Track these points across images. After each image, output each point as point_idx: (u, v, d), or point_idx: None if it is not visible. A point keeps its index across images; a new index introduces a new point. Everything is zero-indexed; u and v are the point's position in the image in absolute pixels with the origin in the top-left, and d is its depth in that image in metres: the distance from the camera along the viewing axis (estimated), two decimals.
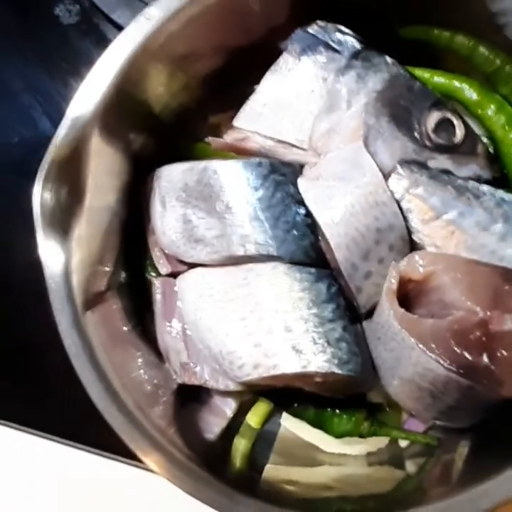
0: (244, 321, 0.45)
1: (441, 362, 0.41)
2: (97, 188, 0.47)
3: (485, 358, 0.41)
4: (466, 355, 0.41)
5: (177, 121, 0.54)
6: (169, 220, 0.48)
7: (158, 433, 0.43)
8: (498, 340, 0.42)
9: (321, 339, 0.43)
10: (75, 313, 0.42)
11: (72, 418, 0.55)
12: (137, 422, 0.42)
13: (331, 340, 0.44)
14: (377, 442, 0.52)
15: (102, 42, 0.62)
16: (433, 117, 0.48)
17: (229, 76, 0.53)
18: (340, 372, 0.43)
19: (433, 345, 0.42)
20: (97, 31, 0.61)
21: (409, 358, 0.43)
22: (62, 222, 0.43)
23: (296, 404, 0.50)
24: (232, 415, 0.52)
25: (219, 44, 0.51)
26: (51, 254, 0.42)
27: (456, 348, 0.41)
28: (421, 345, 0.42)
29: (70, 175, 0.43)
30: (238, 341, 0.44)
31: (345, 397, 0.49)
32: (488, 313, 0.42)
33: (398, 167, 0.46)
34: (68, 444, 0.57)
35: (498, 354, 0.41)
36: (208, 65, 0.53)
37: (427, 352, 0.41)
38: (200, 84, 0.53)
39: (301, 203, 0.46)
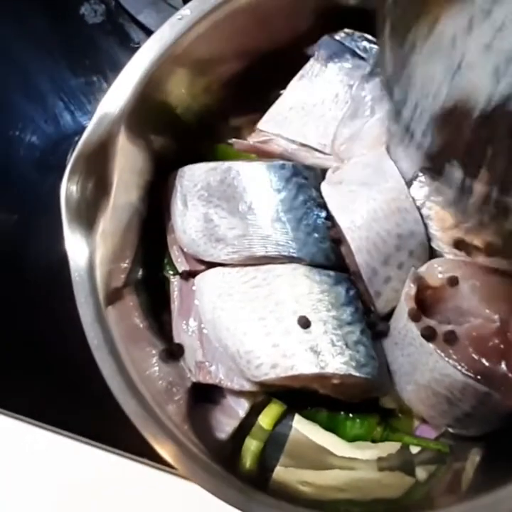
0: (263, 320, 0.45)
1: (459, 368, 0.41)
2: (122, 184, 0.47)
3: (503, 366, 0.41)
4: (484, 361, 0.41)
5: (199, 123, 0.55)
6: (190, 218, 0.49)
7: (174, 427, 0.43)
8: None
9: (339, 341, 0.44)
10: (97, 306, 0.42)
11: (85, 414, 0.55)
12: (154, 414, 0.42)
13: (349, 343, 0.44)
14: (388, 448, 0.52)
15: (126, 42, 0.63)
16: None
17: (251, 80, 0.54)
18: (357, 374, 0.43)
19: (451, 351, 0.42)
20: (121, 31, 0.62)
21: (426, 363, 0.43)
22: (88, 215, 0.43)
23: (309, 407, 0.50)
24: (244, 416, 0.52)
25: (242, 48, 0.52)
26: (76, 248, 0.42)
27: (474, 355, 0.42)
28: (439, 351, 0.42)
29: (96, 170, 0.44)
30: (256, 341, 0.45)
31: (358, 402, 0.49)
32: (507, 321, 0.43)
33: (420, 174, 0.46)
34: (79, 440, 0.57)
35: None
36: (231, 68, 0.53)
37: (445, 358, 0.42)
38: (222, 88, 0.54)
39: (322, 206, 0.47)
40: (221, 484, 0.42)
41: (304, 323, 0.44)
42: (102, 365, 0.41)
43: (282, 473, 0.52)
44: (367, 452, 0.52)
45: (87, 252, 0.43)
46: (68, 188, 0.42)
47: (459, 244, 0.46)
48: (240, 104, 0.55)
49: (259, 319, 0.45)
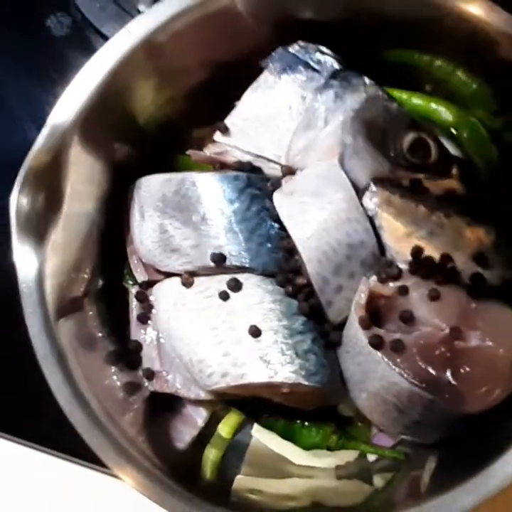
0: (215, 330, 0.45)
1: (405, 376, 0.42)
2: (76, 195, 0.48)
3: (448, 374, 0.42)
4: (430, 370, 0.42)
5: (161, 133, 0.55)
6: (147, 229, 0.49)
7: (126, 441, 0.43)
8: (462, 357, 0.42)
9: (289, 350, 0.44)
10: (46, 317, 0.43)
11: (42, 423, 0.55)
12: (104, 428, 0.42)
13: (299, 352, 0.44)
14: (346, 456, 0.52)
15: (92, 54, 0.63)
16: (408, 137, 0.49)
17: (212, 91, 0.54)
18: (306, 383, 0.44)
19: (398, 360, 0.42)
20: (87, 44, 0.63)
21: (375, 371, 0.43)
22: (38, 228, 0.43)
23: (266, 416, 0.50)
24: (203, 425, 0.52)
25: (205, 59, 0.53)
26: (25, 259, 0.43)
27: (420, 363, 0.42)
28: (386, 359, 0.42)
29: (48, 182, 0.44)
30: (208, 350, 0.45)
31: (315, 410, 0.49)
32: (456, 329, 0.43)
33: (372, 185, 0.47)
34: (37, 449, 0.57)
35: (462, 370, 0.42)
36: (194, 79, 0.54)
37: (392, 366, 0.42)
38: (185, 98, 0.55)
39: (276, 216, 0.47)
40: (175, 498, 0.42)
41: (255, 332, 0.44)
42: (49, 375, 0.41)
43: (243, 482, 0.52)
44: (325, 460, 0.52)
45: (37, 263, 0.43)
46: (18, 201, 0.43)
47: (415, 254, 0.46)
48: (203, 114, 0.55)
49: (211, 329, 0.46)
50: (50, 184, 0.44)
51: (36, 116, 0.62)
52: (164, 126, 0.55)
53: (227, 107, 0.53)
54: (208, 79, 0.54)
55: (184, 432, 0.52)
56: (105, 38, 0.62)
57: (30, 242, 0.43)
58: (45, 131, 0.44)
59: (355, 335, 0.44)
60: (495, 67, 0.48)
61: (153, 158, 0.55)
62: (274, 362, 0.44)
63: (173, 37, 0.48)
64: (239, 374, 0.44)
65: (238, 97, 0.53)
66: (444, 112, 0.52)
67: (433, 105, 0.52)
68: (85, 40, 0.62)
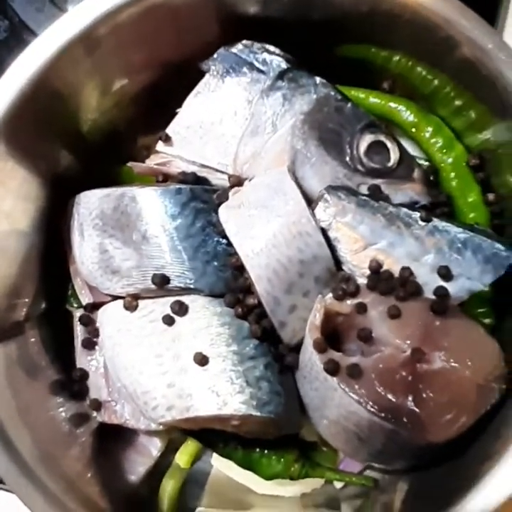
0: (159, 358, 0.42)
1: (363, 404, 0.38)
2: (6, 214, 0.44)
3: (410, 401, 0.38)
4: (390, 397, 0.38)
5: (105, 141, 0.52)
6: (87, 249, 0.46)
7: (64, 489, 0.40)
8: (425, 381, 0.39)
9: (239, 379, 0.41)
10: None
11: None
12: (35, 476, 0.39)
13: (250, 380, 0.41)
14: (312, 483, 0.49)
15: None
16: (365, 140, 0.46)
17: (160, 96, 0.51)
18: (258, 414, 0.40)
19: (356, 386, 0.39)
20: (26, 47, 0.58)
21: (332, 399, 0.40)
22: None
23: (223, 445, 0.47)
24: (158, 454, 0.49)
25: (149, 59, 0.49)
26: None
27: (379, 389, 0.39)
28: (343, 386, 0.39)
29: None
30: (152, 380, 0.42)
31: (275, 438, 0.46)
32: (418, 349, 0.40)
33: (325, 194, 0.43)
34: None
35: (424, 395, 0.39)
36: (138, 82, 0.50)
37: (349, 393, 0.39)
38: (130, 103, 0.51)
39: (223, 232, 0.44)
40: None
41: (201, 360, 0.41)
42: None
43: None
44: (289, 489, 0.49)
45: None
46: None
47: (374, 267, 0.43)
48: (149, 121, 0.52)
49: (155, 356, 0.42)
50: None
51: None
52: (109, 133, 0.51)
53: (174, 113, 0.50)
54: (154, 81, 0.51)
55: (138, 463, 0.49)
56: None
57: None
58: None
59: (310, 359, 0.41)
60: (456, 64, 0.45)
61: (98, 169, 0.51)
62: (223, 392, 0.40)
63: (113, 31, 0.44)
64: (185, 407, 0.40)
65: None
66: (403, 111, 0.49)
67: (392, 104, 0.49)
68: (24, 43, 0.58)
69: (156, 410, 0.41)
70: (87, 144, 0.50)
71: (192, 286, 0.43)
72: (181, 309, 0.42)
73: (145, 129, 0.53)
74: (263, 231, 0.42)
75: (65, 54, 0.43)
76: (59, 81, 0.44)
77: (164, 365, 0.42)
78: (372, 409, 0.38)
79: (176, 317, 0.43)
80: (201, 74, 0.49)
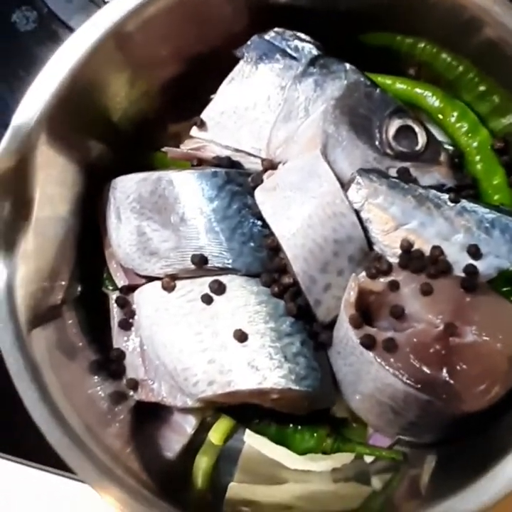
0: (199, 335, 0.43)
1: (400, 376, 0.40)
2: (47, 199, 0.45)
3: (444, 372, 0.40)
4: (425, 369, 0.40)
5: (136, 130, 0.53)
6: (124, 232, 0.47)
7: (110, 458, 0.41)
8: (457, 354, 0.41)
9: (277, 354, 0.42)
10: (18, 330, 0.40)
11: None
12: (85, 446, 0.40)
13: (288, 355, 0.42)
14: (342, 458, 0.50)
15: None
16: (393, 125, 0.47)
17: (188, 84, 0.52)
18: (297, 388, 0.42)
19: (392, 360, 0.40)
20: (55, 38, 0.60)
21: (368, 372, 0.41)
22: (6, 236, 0.41)
23: (257, 421, 0.48)
24: (192, 432, 0.50)
25: (177, 51, 0.50)
26: None
27: (415, 362, 0.40)
28: (379, 360, 0.40)
29: (15, 188, 0.42)
30: (193, 357, 0.43)
31: (308, 413, 0.47)
32: (450, 324, 0.41)
33: (357, 176, 0.45)
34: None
35: (458, 368, 0.40)
36: (167, 72, 0.51)
37: (386, 366, 0.40)
38: (159, 93, 0.52)
39: (258, 213, 0.45)
40: None
41: (240, 336, 0.42)
42: (23, 393, 0.39)
43: (236, 489, 0.50)
44: (320, 464, 0.50)
45: (6, 273, 0.41)
46: None
47: (405, 247, 0.44)
48: (178, 109, 0.53)
49: (195, 334, 0.44)
50: (17, 190, 0.42)
51: (3, 115, 0.59)
52: (139, 122, 0.53)
53: (204, 100, 0.51)
54: (182, 71, 0.52)
55: (173, 441, 0.50)
56: (73, 31, 0.59)
57: None
58: (8, 134, 0.41)
59: (346, 335, 0.42)
60: (480, 47, 0.46)
61: (129, 156, 0.52)
62: (262, 367, 0.42)
63: (142, 26, 0.46)
64: (226, 381, 0.42)
65: (214, 90, 0.51)
66: (429, 97, 0.50)
67: (418, 90, 0.50)
68: (53, 34, 0.60)
69: (197, 386, 0.43)
70: (118, 133, 0.51)
71: (230, 266, 0.44)
72: (220, 288, 0.44)
73: (174, 117, 0.54)
74: (299, 212, 0.43)
75: (97, 50, 0.45)
76: (92, 76, 0.46)
77: (204, 342, 0.43)
78: (408, 381, 0.40)
79: (214, 296, 0.44)
80: (228, 62, 0.50)
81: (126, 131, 0.52)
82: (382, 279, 0.44)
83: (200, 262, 0.44)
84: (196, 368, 0.43)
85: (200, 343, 0.43)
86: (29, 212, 0.43)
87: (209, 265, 0.44)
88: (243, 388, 0.42)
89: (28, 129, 0.42)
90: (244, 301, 0.43)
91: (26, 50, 0.60)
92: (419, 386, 0.39)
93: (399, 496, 0.49)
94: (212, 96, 0.48)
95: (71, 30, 0.58)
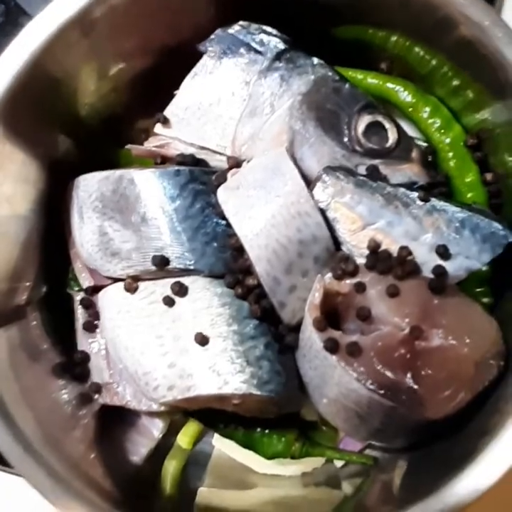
0: (160, 339, 0.42)
1: (363, 382, 0.39)
2: (6, 198, 0.44)
3: (409, 378, 0.39)
4: (389, 374, 0.39)
5: (103, 125, 0.51)
6: (86, 232, 0.46)
7: (70, 469, 0.40)
8: (423, 358, 0.39)
9: (239, 358, 0.41)
10: None
11: None
12: (42, 458, 0.39)
13: (250, 359, 0.41)
14: (312, 462, 0.50)
15: None
16: (363, 121, 0.46)
17: (157, 79, 0.51)
18: (259, 393, 0.41)
19: (355, 364, 0.39)
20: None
21: (332, 377, 0.40)
22: None
23: (224, 425, 0.47)
24: (160, 436, 0.49)
25: (145, 42, 0.49)
26: None
27: (378, 367, 0.39)
28: (342, 364, 0.39)
29: None
30: (153, 361, 0.42)
31: (275, 417, 0.46)
32: (417, 327, 0.40)
33: (323, 175, 0.44)
34: None
35: (423, 372, 0.39)
36: (135, 65, 0.50)
37: (349, 371, 0.39)
38: (126, 87, 0.51)
39: (222, 213, 0.44)
40: None
41: (201, 340, 0.41)
42: None
43: (206, 494, 0.50)
44: (290, 468, 0.50)
45: None
46: None
47: (372, 247, 0.43)
48: (146, 105, 0.52)
49: (156, 337, 0.43)
50: None
51: None
52: (106, 117, 0.51)
53: (171, 96, 0.50)
54: (150, 65, 0.51)
55: (140, 445, 0.50)
56: None
57: None
58: None
59: (310, 338, 0.41)
60: (454, 44, 0.45)
61: (96, 152, 0.51)
62: (224, 372, 0.41)
63: (108, 13, 0.44)
64: (186, 386, 0.41)
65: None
66: (401, 92, 0.49)
67: (390, 84, 0.49)
68: (20, 27, 0.58)
69: (158, 390, 0.42)
70: (85, 128, 0.50)
71: (192, 267, 0.43)
72: (181, 290, 0.43)
73: (142, 112, 0.53)
74: (262, 211, 0.42)
75: (61, 37, 0.43)
76: (55, 65, 0.44)
77: (165, 345, 0.42)
78: (371, 387, 0.38)
79: (176, 298, 0.43)
80: (198, 56, 0.48)
81: (93, 126, 0.51)
82: (348, 281, 0.42)
83: (161, 263, 0.43)
84: (156, 372, 0.42)
85: (161, 346, 0.42)
86: None
87: (170, 266, 0.43)
88: (203, 393, 0.41)
89: None
90: (207, 303, 0.42)
91: None
92: (382, 392, 0.38)
93: (371, 500, 0.48)
94: (175, 91, 0.47)
95: None
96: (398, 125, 0.47)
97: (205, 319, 0.42)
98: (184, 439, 0.50)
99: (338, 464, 0.50)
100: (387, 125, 0.46)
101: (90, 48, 0.45)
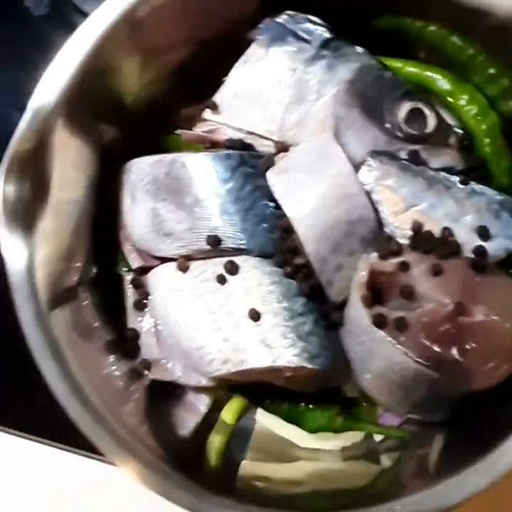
0: (213, 315, 0.44)
1: (410, 354, 0.40)
2: (64, 182, 0.46)
3: (454, 351, 0.41)
4: (435, 347, 0.41)
5: (149, 113, 0.53)
6: (138, 214, 0.48)
7: (128, 433, 0.42)
8: (467, 333, 0.41)
9: (291, 333, 0.43)
10: (38, 308, 0.41)
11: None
12: (105, 421, 0.41)
13: (301, 334, 0.43)
14: (352, 437, 0.51)
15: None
16: (404, 107, 0.47)
17: (201, 67, 0.52)
18: (309, 366, 0.42)
19: (402, 338, 0.41)
20: (68, 22, 0.60)
21: (379, 351, 0.42)
22: (26, 216, 0.42)
23: (270, 400, 0.49)
24: (206, 411, 0.51)
25: (188, 34, 0.51)
26: (14, 250, 0.41)
27: (425, 341, 0.41)
28: (390, 338, 0.41)
29: (34, 168, 0.42)
30: (207, 336, 0.44)
31: (319, 392, 0.48)
32: (460, 304, 0.42)
33: (368, 158, 0.45)
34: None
35: (467, 346, 0.41)
36: (178, 56, 0.52)
37: (396, 345, 0.41)
38: (171, 76, 0.52)
39: (271, 195, 0.46)
40: (178, 490, 0.41)
41: (254, 315, 0.43)
42: (45, 369, 0.40)
43: (248, 467, 0.51)
44: (331, 442, 0.51)
45: (27, 253, 0.41)
46: (4, 190, 0.41)
47: (415, 228, 0.45)
48: (190, 92, 0.54)
49: (209, 314, 0.44)
50: (36, 171, 0.42)
51: (17, 101, 0.60)
52: (151, 106, 0.53)
53: (216, 83, 0.52)
54: (193, 55, 0.52)
55: (187, 420, 0.51)
56: (86, 16, 0.59)
57: (19, 232, 0.41)
58: (27, 116, 0.42)
59: (357, 314, 0.43)
60: (490, 31, 0.46)
61: (141, 139, 0.53)
62: (276, 346, 0.42)
63: (154, 10, 0.46)
64: (240, 360, 0.43)
65: (226, 73, 0.51)
66: (439, 80, 0.50)
67: (428, 73, 0.50)
68: (65, 18, 0.60)
69: (212, 364, 0.44)
70: (132, 116, 0.52)
71: (243, 246, 0.45)
72: (233, 269, 0.44)
73: (186, 101, 0.55)
74: (310, 193, 0.44)
75: (111, 36, 0.45)
76: (105, 61, 0.46)
77: (218, 321, 0.44)
78: (418, 360, 0.40)
79: (228, 276, 0.45)
80: (241, 45, 0.50)
81: (139, 114, 0.52)
82: (392, 260, 0.44)
83: (215, 243, 0.44)
84: (211, 346, 0.44)
85: (215, 322, 0.44)
86: (47, 193, 0.43)
87: (223, 246, 0.45)
88: (257, 366, 0.42)
89: (46, 113, 0.42)
90: (258, 282, 0.44)
91: (39, 35, 0.60)
92: (429, 364, 0.40)
93: (407, 473, 0.50)
94: (224, 79, 0.49)
95: (84, 14, 0.59)
96: (437, 112, 0.49)
97: (257, 296, 0.44)
98: (228, 414, 0.52)
99: (377, 438, 0.51)
100: (427, 112, 0.48)
101: (136, 43, 0.48)
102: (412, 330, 0.41)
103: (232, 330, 0.43)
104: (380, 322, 0.41)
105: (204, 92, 0.52)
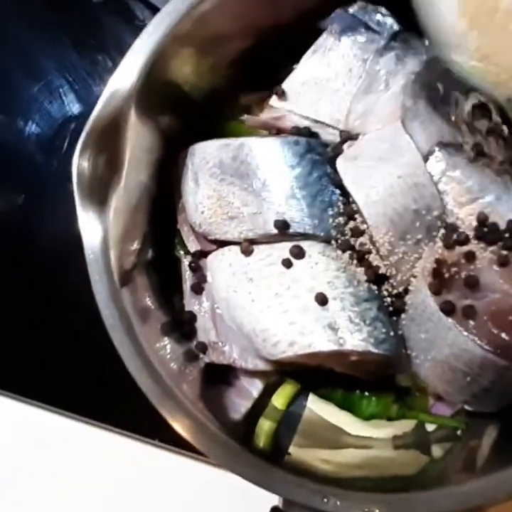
0: (279, 298, 0.44)
1: (479, 342, 0.41)
2: (133, 162, 0.47)
3: None
4: (504, 336, 0.41)
5: (208, 101, 0.54)
6: (202, 197, 0.48)
7: (190, 404, 0.43)
8: None
9: (357, 318, 0.43)
10: (112, 285, 0.42)
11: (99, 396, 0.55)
12: (171, 392, 0.42)
13: (367, 320, 0.43)
14: (404, 426, 0.52)
15: (130, 20, 0.62)
16: (470, 101, 0.48)
17: (260, 57, 0.53)
18: (376, 351, 0.43)
19: (470, 326, 0.42)
20: (125, 9, 0.61)
21: (445, 338, 0.43)
22: (100, 193, 0.42)
23: (324, 386, 0.50)
24: (258, 396, 0.52)
25: (248, 26, 0.51)
26: (89, 226, 0.42)
27: (493, 329, 0.41)
28: (458, 325, 0.42)
29: (108, 146, 0.43)
30: (273, 318, 0.44)
31: (373, 380, 0.48)
32: None
33: (436, 149, 0.46)
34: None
35: None
36: (238, 46, 0.53)
37: (464, 332, 0.41)
38: (229, 66, 0.53)
39: (337, 182, 0.46)
40: (238, 460, 0.42)
41: (321, 300, 0.43)
42: (119, 345, 0.40)
43: (297, 452, 0.52)
44: (382, 431, 0.52)
45: (101, 230, 0.42)
46: (80, 165, 0.41)
47: (481, 220, 0.45)
48: (249, 81, 0.54)
49: (275, 296, 0.45)
50: (109, 148, 0.43)
51: (74, 83, 0.61)
52: (211, 94, 0.54)
53: (273, 73, 0.52)
54: (251, 46, 0.53)
55: (239, 404, 0.52)
56: (145, 3, 0.60)
57: (94, 208, 0.42)
58: (105, 96, 0.42)
59: (424, 301, 0.43)
60: None
61: (201, 126, 0.53)
62: (343, 330, 0.43)
63: (217, 5, 0.47)
64: (307, 343, 0.43)
65: (284, 63, 0.52)
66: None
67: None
68: (123, 5, 0.61)
69: (277, 346, 0.44)
70: (192, 104, 0.53)
71: (311, 231, 0.45)
72: (300, 253, 0.45)
73: (245, 89, 0.55)
74: (380, 181, 0.45)
75: (175, 33, 0.46)
76: (169, 55, 0.47)
77: (284, 304, 0.44)
78: (487, 347, 0.41)
79: (294, 260, 0.45)
80: (299, 36, 0.51)
81: (199, 102, 0.53)
82: (458, 250, 0.45)
83: (283, 227, 0.45)
84: (277, 328, 0.44)
85: (281, 305, 0.44)
86: (119, 172, 0.44)
87: (290, 230, 0.45)
88: (324, 350, 0.43)
89: (122, 95, 0.43)
90: (324, 267, 0.45)
91: (97, 21, 0.61)
92: (498, 351, 0.41)
93: (457, 464, 0.51)
94: (293, 66, 0.49)
95: (142, 1, 0.60)
96: (501, 106, 0.49)
97: (323, 281, 0.44)
98: (279, 400, 0.52)
99: (429, 428, 0.52)
100: (491, 106, 0.48)
101: (197, 38, 0.48)
102: (480, 318, 0.42)
103: (299, 313, 0.44)
104: (448, 309, 0.42)
105: (262, 81, 0.53)
